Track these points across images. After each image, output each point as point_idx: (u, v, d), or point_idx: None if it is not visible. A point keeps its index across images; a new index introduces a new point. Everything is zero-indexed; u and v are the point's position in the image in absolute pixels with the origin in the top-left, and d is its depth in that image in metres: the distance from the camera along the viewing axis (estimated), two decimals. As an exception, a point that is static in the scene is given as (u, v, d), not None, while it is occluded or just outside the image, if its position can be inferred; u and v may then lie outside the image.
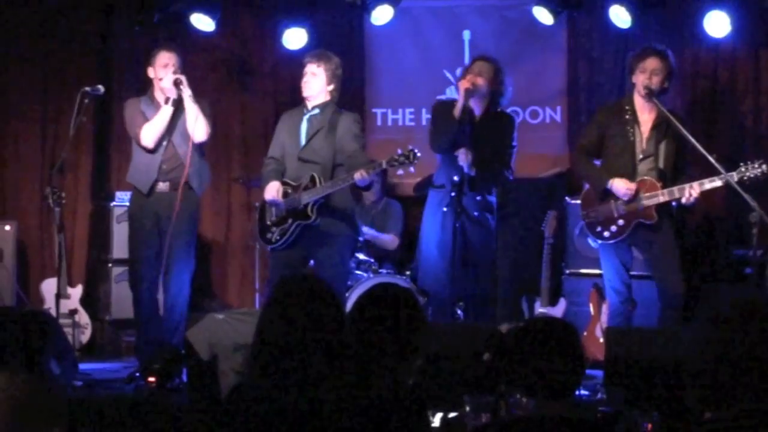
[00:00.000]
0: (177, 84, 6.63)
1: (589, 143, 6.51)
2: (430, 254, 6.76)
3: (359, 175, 6.18)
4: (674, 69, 6.44)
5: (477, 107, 6.69)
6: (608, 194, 6.32)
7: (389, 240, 8.14)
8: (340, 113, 6.66)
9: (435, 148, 6.84)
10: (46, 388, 2.52)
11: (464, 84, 6.51)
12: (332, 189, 6.38)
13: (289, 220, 6.52)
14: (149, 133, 6.71)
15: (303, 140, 6.60)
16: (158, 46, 6.99)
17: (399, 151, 6.13)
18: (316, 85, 6.62)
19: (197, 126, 6.66)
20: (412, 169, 6.27)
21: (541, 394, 3.03)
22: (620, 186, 6.24)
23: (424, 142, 6.99)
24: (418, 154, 6.12)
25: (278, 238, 6.57)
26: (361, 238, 7.63)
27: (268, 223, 6.65)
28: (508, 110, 7.07)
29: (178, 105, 6.68)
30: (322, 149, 6.54)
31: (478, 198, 6.63)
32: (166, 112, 6.69)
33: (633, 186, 6.22)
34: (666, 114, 6.21)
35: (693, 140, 6.10)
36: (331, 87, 6.66)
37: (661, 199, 6.16)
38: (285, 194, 6.54)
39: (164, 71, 6.70)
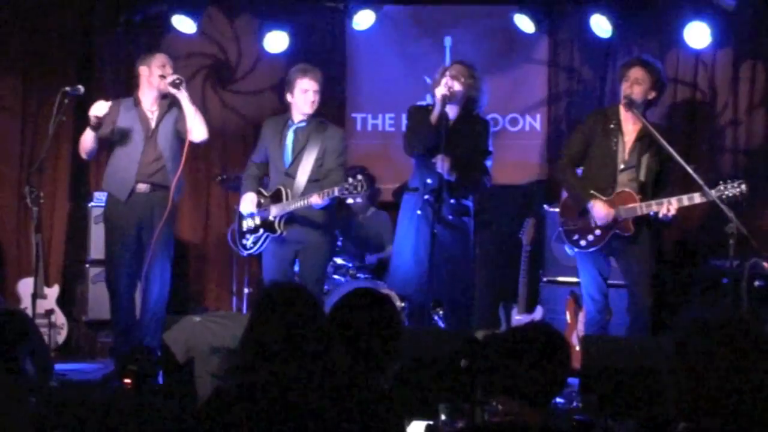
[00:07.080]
0: (176, 85, 6.62)
1: (575, 152, 6.48)
2: (404, 258, 6.77)
3: (315, 199, 6.35)
4: (662, 81, 6.40)
5: (452, 111, 6.65)
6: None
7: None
8: (326, 126, 6.74)
9: (409, 152, 6.82)
10: (15, 386, 2.50)
11: (442, 91, 6.50)
12: (295, 207, 6.50)
13: (261, 230, 6.72)
14: (81, 146, 6.85)
15: (289, 155, 6.67)
16: (154, 50, 7.11)
17: (350, 180, 6.18)
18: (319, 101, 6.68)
19: (197, 126, 6.67)
20: (359, 199, 6.54)
21: (520, 400, 3.03)
22: (599, 210, 6.21)
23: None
24: (365, 186, 6.20)
25: (251, 245, 6.81)
26: (338, 243, 7.63)
27: (244, 230, 6.83)
28: (486, 116, 7.03)
29: (97, 124, 6.65)
30: (306, 163, 6.61)
31: (452, 201, 6.61)
32: (88, 135, 6.74)
33: (612, 213, 6.19)
34: (647, 125, 6.20)
35: (673, 152, 6.08)
36: None
37: (639, 212, 6.15)
38: (259, 204, 6.70)
39: (162, 70, 6.74)
